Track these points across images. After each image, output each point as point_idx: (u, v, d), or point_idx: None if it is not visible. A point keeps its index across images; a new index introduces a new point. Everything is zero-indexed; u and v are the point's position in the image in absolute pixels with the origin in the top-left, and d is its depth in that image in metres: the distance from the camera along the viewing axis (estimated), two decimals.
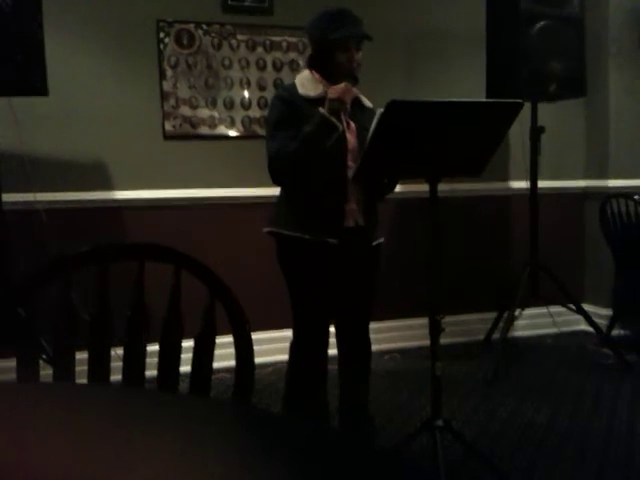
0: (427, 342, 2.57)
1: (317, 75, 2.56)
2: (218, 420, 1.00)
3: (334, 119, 2.37)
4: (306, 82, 2.54)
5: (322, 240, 2.48)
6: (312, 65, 2.59)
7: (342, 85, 2.41)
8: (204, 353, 1.42)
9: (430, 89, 4.23)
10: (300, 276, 2.59)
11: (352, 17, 2.50)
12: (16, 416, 0.97)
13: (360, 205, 2.55)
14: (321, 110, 2.38)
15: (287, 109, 2.49)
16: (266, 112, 4.01)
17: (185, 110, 3.90)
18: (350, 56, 2.47)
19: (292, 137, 2.40)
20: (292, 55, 4.09)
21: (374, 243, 2.63)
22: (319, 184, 2.49)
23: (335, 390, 2.81)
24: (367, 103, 2.67)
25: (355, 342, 2.75)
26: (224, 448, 0.89)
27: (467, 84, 4.09)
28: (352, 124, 2.54)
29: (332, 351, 2.73)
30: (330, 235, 2.48)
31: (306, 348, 2.65)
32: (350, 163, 2.49)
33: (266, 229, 2.58)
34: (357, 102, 2.60)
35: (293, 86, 2.56)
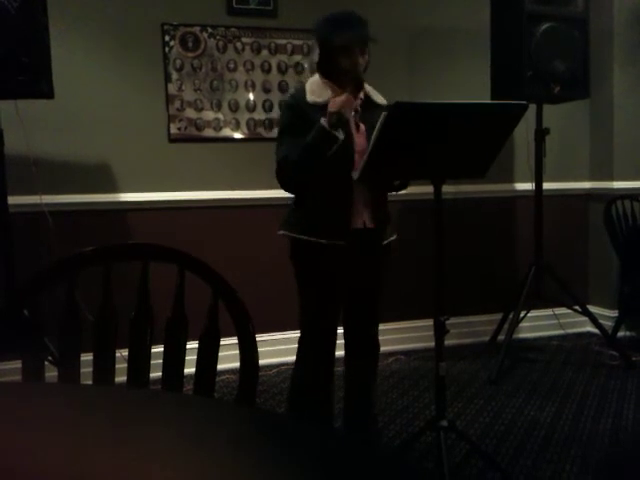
0: (432, 344, 2.58)
1: (325, 80, 2.55)
2: (219, 420, 1.01)
3: (334, 131, 2.36)
4: (315, 87, 2.54)
5: (329, 242, 2.49)
6: (319, 69, 2.59)
7: (342, 97, 2.38)
8: (208, 354, 1.42)
9: (434, 89, 4.22)
10: (309, 277, 2.60)
11: (355, 20, 2.46)
12: (16, 415, 0.98)
13: (368, 207, 2.55)
14: (322, 121, 2.37)
15: (293, 115, 2.50)
16: (271, 114, 4.06)
17: (190, 113, 3.91)
18: (354, 60, 2.44)
19: (297, 145, 2.42)
20: (297, 58, 4.09)
21: (384, 242, 2.62)
22: (324, 188, 2.50)
23: (341, 391, 2.82)
24: (379, 100, 2.61)
25: (363, 343, 2.75)
26: (224, 448, 0.90)
27: (471, 84, 4.09)
28: (362, 126, 2.53)
29: (340, 352, 2.73)
30: (337, 237, 2.49)
31: (313, 348, 2.65)
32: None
33: (279, 232, 2.60)
34: (368, 100, 2.58)
35: (302, 91, 2.56)
